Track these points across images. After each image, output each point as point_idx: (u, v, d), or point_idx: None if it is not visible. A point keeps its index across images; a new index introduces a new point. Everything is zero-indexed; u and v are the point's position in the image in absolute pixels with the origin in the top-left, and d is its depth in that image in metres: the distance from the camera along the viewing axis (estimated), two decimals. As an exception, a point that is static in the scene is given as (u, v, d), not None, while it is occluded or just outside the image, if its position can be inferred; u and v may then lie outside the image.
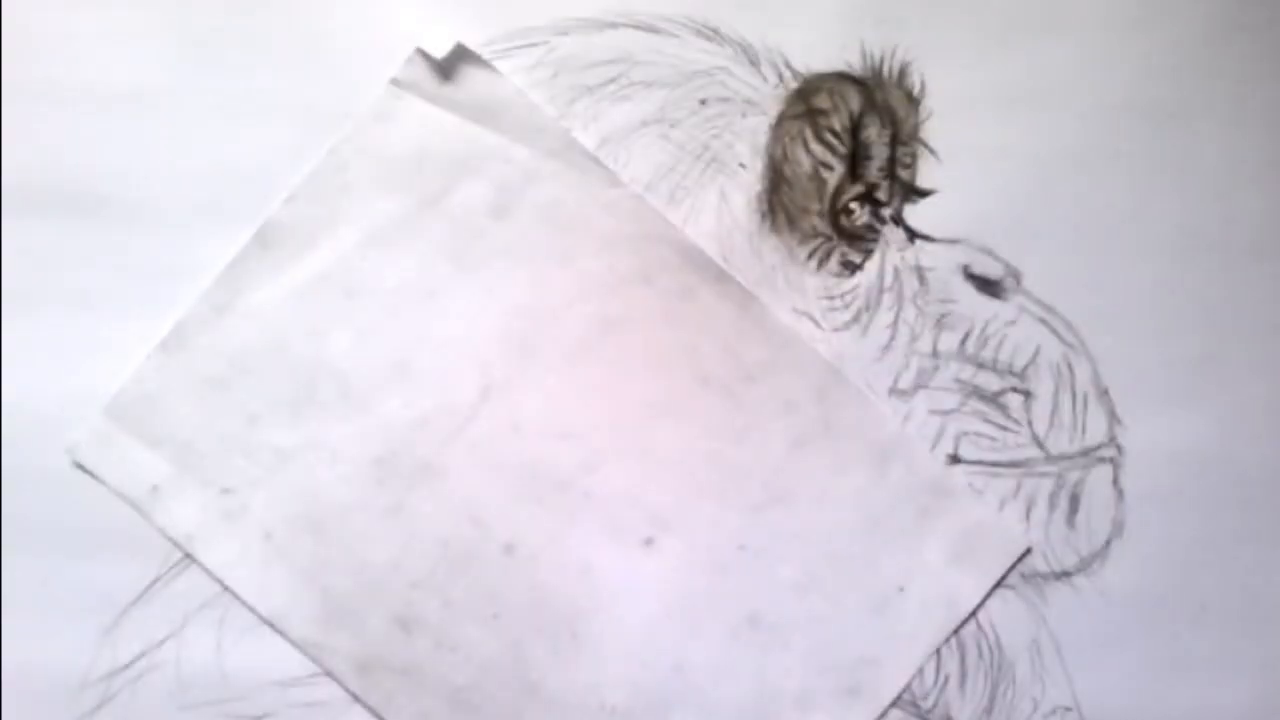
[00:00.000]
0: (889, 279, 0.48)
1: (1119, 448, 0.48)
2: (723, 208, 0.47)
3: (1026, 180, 0.49)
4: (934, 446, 0.48)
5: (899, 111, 0.48)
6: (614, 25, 0.47)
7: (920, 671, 0.47)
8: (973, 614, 0.47)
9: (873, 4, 0.48)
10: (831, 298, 0.48)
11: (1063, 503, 0.48)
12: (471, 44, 0.47)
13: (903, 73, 0.48)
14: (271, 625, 0.45)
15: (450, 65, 0.47)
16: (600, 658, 0.46)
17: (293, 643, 0.45)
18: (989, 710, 0.47)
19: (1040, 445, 0.48)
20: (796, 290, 0.48)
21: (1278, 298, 0.49)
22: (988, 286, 0.48)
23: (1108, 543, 0.48)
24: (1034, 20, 0.49)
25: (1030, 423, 0.48)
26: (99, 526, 0.45)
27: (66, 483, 0.45)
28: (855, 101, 0.48)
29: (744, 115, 0.47)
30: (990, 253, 0.48)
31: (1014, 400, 0.48)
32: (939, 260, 0.48)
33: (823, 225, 0.48)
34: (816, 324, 0.47)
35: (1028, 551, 0.48)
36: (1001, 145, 0.48)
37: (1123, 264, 0.49)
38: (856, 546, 0.47)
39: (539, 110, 0.47)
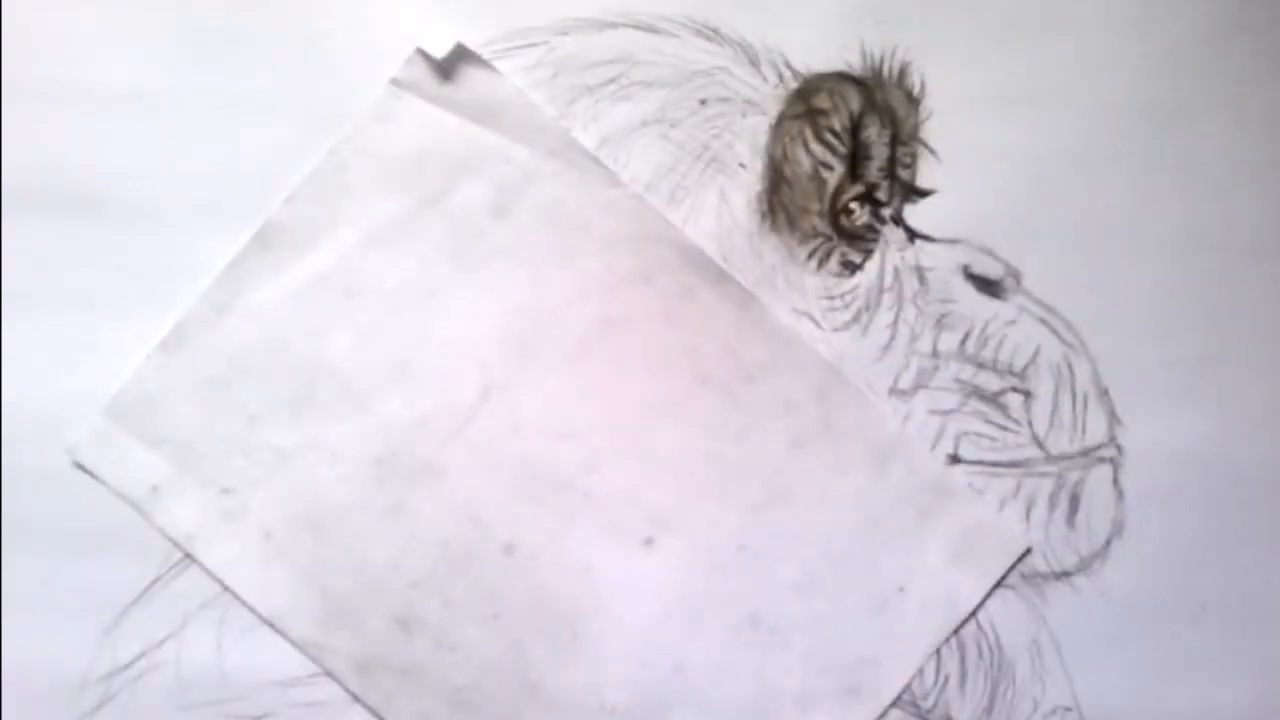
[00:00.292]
0: (889, 279, 0.48)
1: (1119, 448, 0.48)
2: (723, 208, 0.47)
3: (1026, 180, 0.49)
4: (934, 446, 0.48)
5: (899, 111, 0.48)
6: (614, 25, 0.47)
7: (920, 671, 0.47)
8: (973, 614, 0.47)
9: (873, 4, 0.48)
10: (831, 298, 0.48)
11: (1063, 503, 0.48)
12: (471, 44, 0.47)
13: (903, 73, 0.48)
14: (271, 625, 0.45)
15: (450, 65, 0.47)
16: (600, 658, 0.46)
17: (293, 643, 0.45)
18: (989, 710, 0.47)
19: (1040, 445, 0.48)
20: (796, 290, 0.48)
21: (1278, 298, 0.49)
22: (988, 286, 0.48)
23: (1108, 543, 0.48)
24: (1034, 20, 0.49)
25: (1030, 423, 0.48)
26: (99, 526, 0.45)
27: (66, 483, 0.45)
28: (855, 101, 0.48)
29: (744, 115, 0.47)
30: (990, 253, 0.48)
31: (1014, 400, 0.48)
32: (939, 260, 0.48)
33: (823, 225, 0.48)
34: (816, 324, 0.47)
35: (1028, 551, 0.48)
36: (1001, 145, 0.48)
37: (1123, 264, 0.49)
38: (856, 546, 0.47)
39: (539, 110, 0.47)
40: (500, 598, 0.45)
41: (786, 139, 0.48)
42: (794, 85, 0.48)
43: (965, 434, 0.48)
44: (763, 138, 0.47)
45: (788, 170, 0.48)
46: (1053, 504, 0.48)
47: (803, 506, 0.47)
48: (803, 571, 0.47)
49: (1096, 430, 0.48)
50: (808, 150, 0.48)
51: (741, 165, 0.47)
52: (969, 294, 0.48)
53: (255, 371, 0.46)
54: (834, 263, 0.48)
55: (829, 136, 0.48)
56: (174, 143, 0.46)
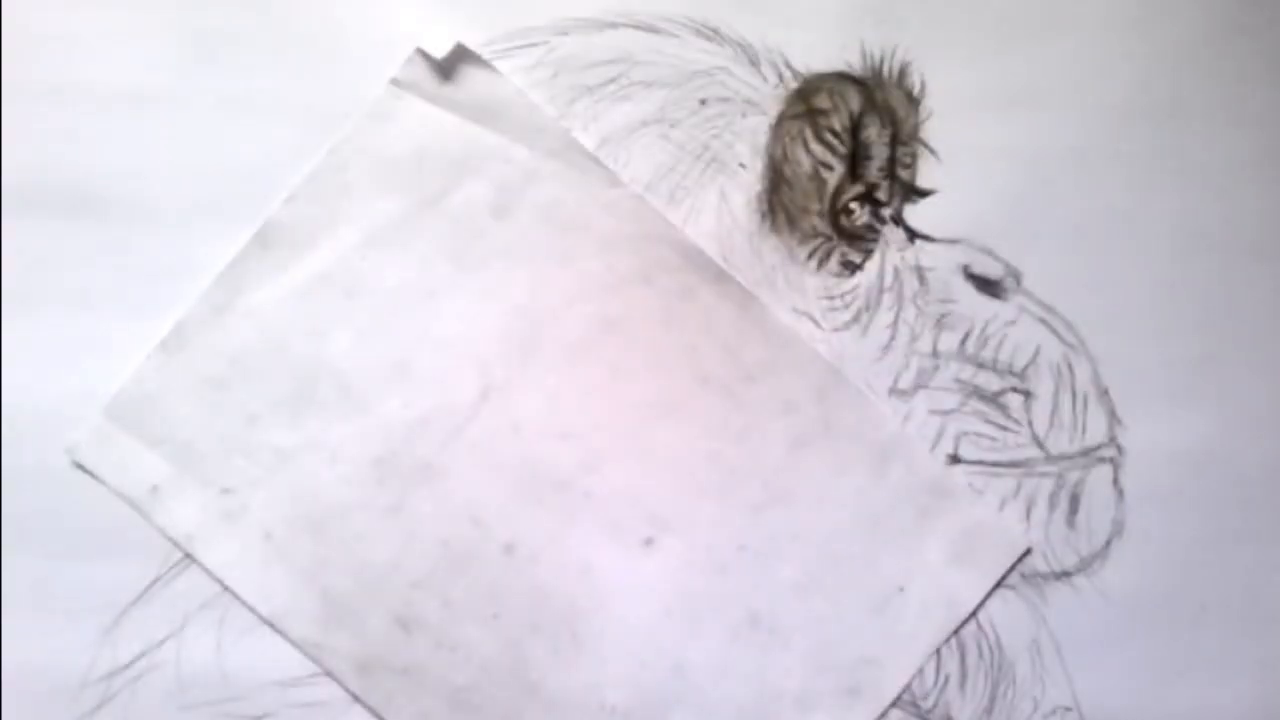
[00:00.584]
0: (889, 279, 0.48)
1: (1119, 448, 0.48)
2: (723, 208, 0.47)
3: (1026, 180, 0.49)
4: (934, 446, 0.48)
5: (899, 111, 0.48)
6: (614, 25, 0.47)
7: (920, 671, 0.47)
8: (973, 614, 0.47)
9: (873, 4, 0.48)
10: (831, 298, 0.48)
11: (1063, 503, 0.48)
12: (471, 44, 0.47)
13: (903, 73, 0.48)
14: (271, 625, 0.45)
15: (450, 65, 0.47)
16: (600, 658, 0.46)
17: (293, 643, 0.45)
18: (989, 710, 0.47)
19: (1040, 445, 0.48)
20: (796, 290, 0.48)
21: (1278, 298, 0.49)
22: (988, 286, 0.48)
23: (1108, 543, 0.48)
24: (1034, 20, 0.49)
25: (1030, 423, 0.48)
26: (99, 526, 0.45)
27: (66, 483, 0.45)
28: (855, 101, 0.48)
29: (744, 115, 0.47)
30: (990, 253, 0.48)
31: (1014, 400, 0.48)
32: (939, 260, 0.48)
33: (823, 225, 0.48)
34: (816, 324, 0.48)
35: (1028, 551, 0.48)
36: (1001, 145, 0.48)
37: (1123, 264, 0.49)
38: (856, 546, 0.47)
39: (539, 110, 0.47)
40: (500, 598, 0.45)
41: (786, 139, 0.48)
42: (794, 85, 0.48)
43: (965, 434, 0.48)
44: (763, 138, 0.47)
45: (788, 170, 0.48)
46: (1053, 504, 0.48)
47: (803, 506, 0.47)
48: (803, 571, 0.47)
49: (1096, 430, 0.48)
50: (808, 150, 0.48)
51: (741, 165, 0.47)
52: (969, 294, 0.48)
53: (255, 371, 0.46)
54: (834, 263, 0.48)
55: (829, 136, 0.48)
56: (174, 143, 0.46)
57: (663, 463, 0.46)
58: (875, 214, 0.48)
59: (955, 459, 0.48)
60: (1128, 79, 0.49)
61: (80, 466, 0.45)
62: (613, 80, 0.47)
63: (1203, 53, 0.49)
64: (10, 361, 0.45)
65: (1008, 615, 0.48)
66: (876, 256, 0.48)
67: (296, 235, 0.46)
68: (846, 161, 0.48)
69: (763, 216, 0.48)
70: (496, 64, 0.47)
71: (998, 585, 0.47)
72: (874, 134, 0.48)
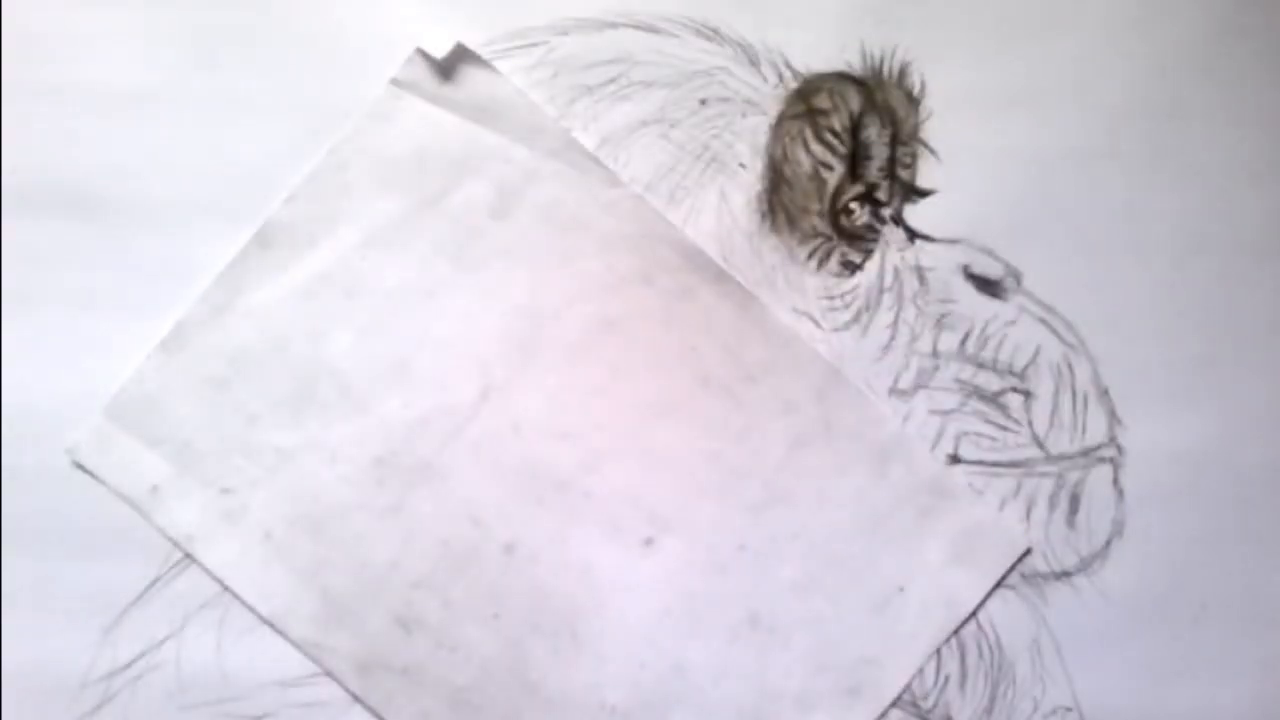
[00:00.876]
0: (889, 279, 0.48)
1: (1119, 448, 0.48)
2: (723, 208, 0.47)
3: (1026, 180, 0.49)
4: (934, 446, 0.48)
5: (899, 111, 0.48)
6: (614, 25, 0.47)
7: (920, 671, 0.47)
8: (973, 614, 0.47)
9: (873, 4, 0.48)
10: (831, 298, 0.48)
11: (1063, 503, 0.48)
12: (471, 44, 0.47)
13: (903, 73, 0.48)
14: (271, 625, 0.45)
15: (450, 65, 0.47)
16: (600, 658, 0.46)
17: (293, 643, 0.45)
18: (989, 710, 0.47)
19: (1040, 445, 0.48)
20: (796, 290, 0.48)
21: (1278, 298, 0.49)
22: (988, 286, 0.48)
23: (1108, 543, 0.48)
24: (1034, 20, 0.49)
25: (1030, 423, 0.48)
26: (99, 526, 0.45)
27: (66, 483, 0.45)
28: (855, 101, 0.48)
29: (744, 115, 0.47)
30: (990, 253, 0.48)
31: (1014, 400, 0.48)
32: (939, 260, 0.48)
33: (823, 225, 0.48)
34: (816, 324, 0.48)
35: (1028, 551, 0.48)
36: (1001, 145, 0.48)
37: (1123, 264, 0.49)
38: (856, 546, 0.47)
39: (539, 110, 0.47)
40: (500, 598, 0.45)
41: (786, 139, 0.48)
42: (794, 85, 0.48)
43: (965, 434, 0.48)
44: (763, 138, 0.47)
45: (788, 170, 0.48)
46: (1053, 504, 0.48)
47: (803, 506, 0.47)
48: (803, 571, 0.47)
49: (1096, 430, 0.48)
50: (808, 150, 0.48)
51: (741, 165, 0.47)
52: (969, 294, 0.48)
53: (255, 371, 0.46)
54: (834, 263, 0.48)
55: (829, 136, 0.48)
56: (174, 143, 0.46)
57: (663, 463, 0.46)
58: (875, 214, 0.48)
59: (955, 459, 0.48)
60: (1128, 79, 0.49)
61: (80, 466, 0.45)
62: (613, 80, 0.47)
63: (1203, 53, 0.49)
64: (10, 361, 0.45)
65: (1008, 615, 0.48)
66: (876, 256, 0.48)
67: (296, 235, 0.46)
68: (846, 161, 0.48)
69: (763, 216, 0.48)
70: (496, 64, 0.47)
71: (998, 585, 0.47)
72: (874, 134, 0.48)
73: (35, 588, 0.45)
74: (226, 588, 0.45)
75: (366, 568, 0.45)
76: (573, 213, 0.47)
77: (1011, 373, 0.48)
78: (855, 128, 0.48)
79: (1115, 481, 0.48)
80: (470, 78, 0.47)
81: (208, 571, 0.45)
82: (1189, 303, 0.49)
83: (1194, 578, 0.48)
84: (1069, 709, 0.48)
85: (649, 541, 0.46)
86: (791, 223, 0.48)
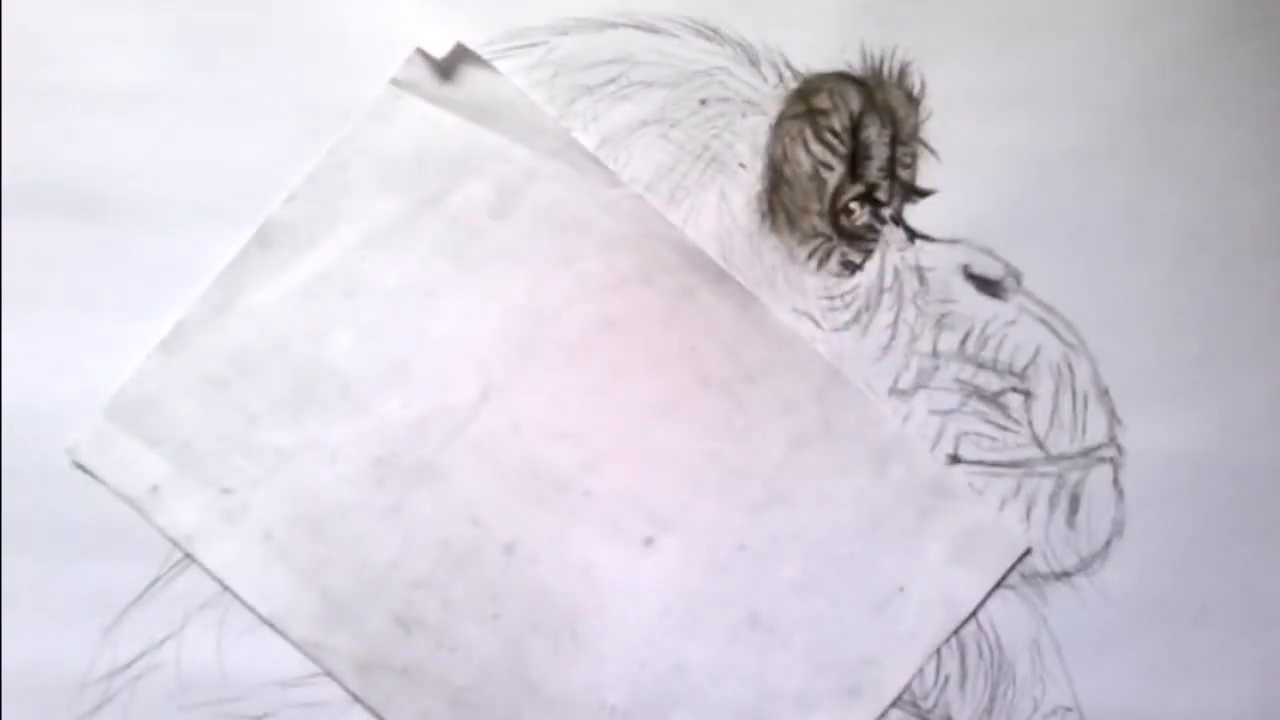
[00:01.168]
0: (889, 279, 0.48)
1: (1119, 448, 0.48)
2: (723, 208, 0.47)
3: (1026, 180, 0.49)
4: (934, 446, 0.48)
5: (899, 111, 0.48)
6: (614, 25, 0.47)
7: (920, 671, 0.47)
8: (973, 614, 0.47)
9: (873, 4, 0.48)
10: (831, 298, 0.48)
11: (1063, 503, 0.48)
12: (471, 44, 0.47)
13: (903, 73, 0.48)
14: (271, 625, 0.45)
15: (450, 65, 0.47)
16: (600, 658, 0.46)
17: (293, 643, 0.45)
18: (989, 710, 0.47)
19: (1040, 445, 0.48)
20: (796, 290, 0.48)
21: (1278, 298, 0.49)
22: (988, 286, 0.48)
23: (1108, 543, 0.48)
24: (1034, 20, 0.49)
25: (1030, 423, 0.48)
26: (99, 526, 0.45)
27: (66, 483, 0.45)
28: (855, 101, 0.48)
29: (744, 115, 0.47)
30: (990, 253, 0.48)
31: (1014, 400, 0.48)
32: (939, 260, 0.48)
33: (823, 225, 0.48)
34: (816, 324, 0.48)
35: (1028, 551, 0.48)
36: (1001, 145, 0.48)
37: (1123, 264, 0.49)
38: (856, 546, 0.47)
39: (539, 110, 0.47)
40: (500, 598, 0.45)
41: (786, 139, 0.48)
42: (794, 85, 0.48)
43: (965, 434, 0.48)
44: (763, 138, 0.47)
45: (788, 170, 0.48)
46: (1053, 504, 0.48)
47: (803, 506, 0.47)
48: (803, 571, 0.47)
49: (1096, 430, 0.48)
50: (808, 150, 0.48)
51: (741, 165, 0.47)
52: (969, 294, 0.48)
53: (255, 371, 0.46)
54: (834, 263, 0.48)
55: (829, 136, 0.48)
56: (174, 143, 0.46)
57: (663, 463, 0.46)
58: (875, 214, 0.48)
59: (955, 459, 0.48)
60: (1128, 79, 0.49)
61: (80, 466, 0.45)
62: (613, 80, 0.47)
63: (1203, 53, 0.49)
64: (10, 361, 0.45)
65: (1008, 615, 0.48)
66: (876, 256, 0.48)
67: (296, 235, 0.46)
68: (846, 161, 0.48)
69: (763, 216, 0.48)
70: (496, 64, 0.47)
71: (998, 585, 0.47)
72: (874, 134, 0.48)
73: (35, 588, 0.45)
74: (226, 588, 0.45)
75: (366, 568, 0.45)
76: (573, 213, 0.47)
77: (1011, 373, 0.48)
78: (855, 128, 0.48)
79: (1115, 481, 0.48)
80: (470, 78, 0.47)
81: (208, 571, 0.45)
82: (1189, 303, 0.49)
83: (1194, 578, 0.48)
84: (1069, 709, 0.48)
85: (649, 541, 0.46)
86: (791, 223, 0.48)
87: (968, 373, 0.48)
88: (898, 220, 0.48)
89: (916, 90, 0.48)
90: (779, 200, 0.48)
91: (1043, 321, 0.48)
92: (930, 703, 0.47)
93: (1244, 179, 0.49)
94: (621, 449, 0.46)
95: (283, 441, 0.45)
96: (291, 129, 0.46)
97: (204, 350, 0.45)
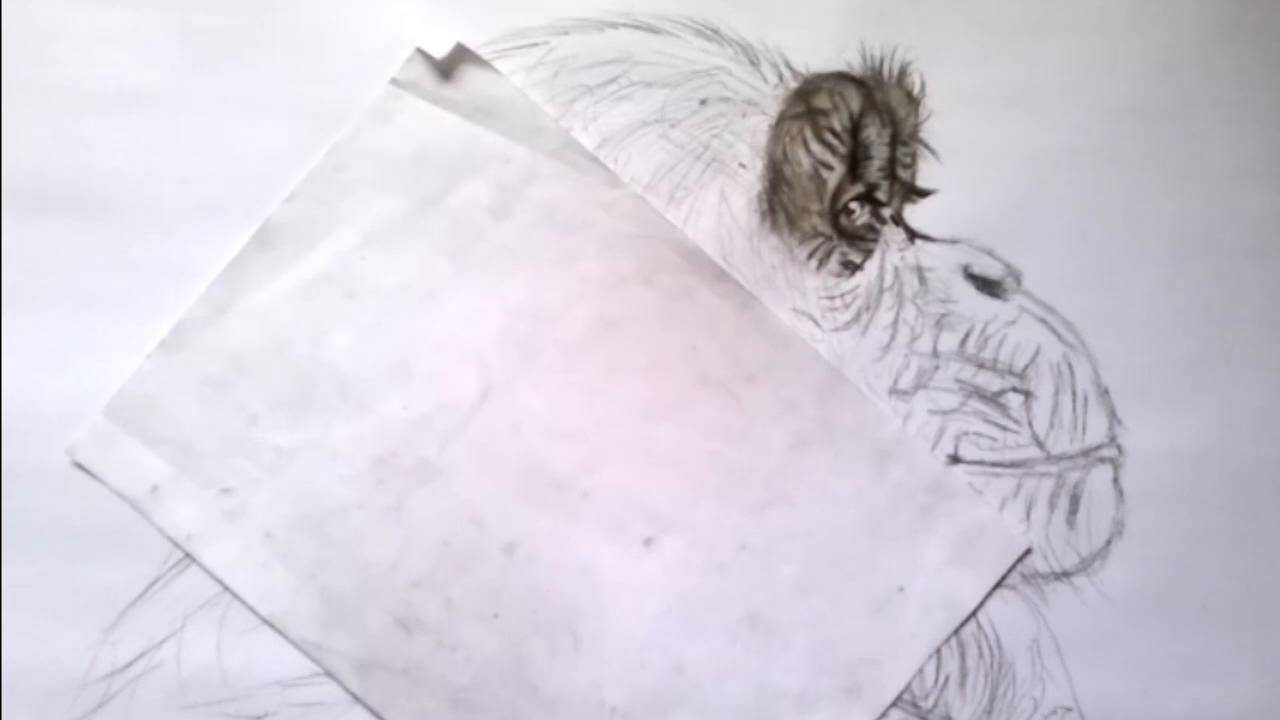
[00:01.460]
0: (889, 279, 0.48)
1: (1119, 448, 0.48)
2: (723, 208, 0.47)
3: (1026, 180, 0.49)
4: (934, 446, 0.48)
5: (899, 111, 0.48)
6: (614, 25, 0.47)
7: (920, 671, 0.47)
8: (973, 614, 0.47)
9: (873, 4, 0.48)
10: (831, 298, 0.48)
11: (1063, 503, 0.48)
12: (471, 44, 0.47)
13: (903, 73, 0.48)
14: (271, 625, 0.45)
15: (450, 65, 0.47)
16: (600, 658, 0.46)
17: (293, 643, 0.45)
18: (989, 710, 0.47)
19: (1040, 445, 0.48)
20: (796, 290, 0.48)
21: (1278, 298, 0.49)
22: (988, 286, 0.48)
23: (1108, 543, 0.48)
24: (1034, 20, 0.49)
25: (1030, 423, 0.48)
26: (99, 526, 0.45)
27: (66, 483, 0.45)
28: (855, 101, 0.48)
29: (744, 115, 0.47)
30: (990, 253, 0.48)
31: (1014, 400, 0.48)
32: (939, 260, 0.48)
33: (823, 225, 0.48)
34: (816, 324, 0.48)
35: (1028, 551, 0.48)
36: (1001, 145, 0.48)
37: (1123, 264, 0.49)
38: (856, 546, 0.47)
39: (539, 110, 0.47)
40: (500, 598, 0.45)
41: (786, 139, 0.48)
42: (794, 85, 0.48)
43: (965, 434, 0.48)
44: (763, 138, 0.47)
45: (788, 170, 0.48)
46: (1053, 504, 0.48)
47: (803, 506, 0.47)
48: (803, 571, 0.47)
49: (1096, 430, 0.48)
50: (808, 150, 0.48)
51: (741, 165, 0.47)
52: (969, 294, 0.48)
53: (255, 371, 0.46)
54: (834, 263, 0.48)
55: (829, 136, 0.48)
56: (174, 143, 0.46)
57: (663, 463, 0.46)
58: (875, 214, 0.48)
59: (955, 459, 0.48)
60: (1128, 79, 0.49)
61: (80, 466, 0.45)
62: (613, 80, 0.47)
63: (1203, 53, 0.49)
64: (10, 361, 0.45)
65: (1008, 615, 0.48)
66: (876, 256, 0.48)
67: (296, 235, 0.46)
68: (846, 161, 0.48)
69: (763, 216, 0.48)
70: (496, 64, 0.47)
71: (998, 585, 0.47)
72: (874, 134, 0.48)
73: (35, 588, 0.45)
74: (226, 588, 0.45)
75: (366, 568, 0.45)
76: (573, 213, 0.47)
77: (1011, 373, 0.48)
78: (855, 128, 0.48)
79: (1115, 481, 0.48)
80: (470, 78, 0.47)
81: (208, 571, 0.45)
82: (1189, 303, 0.49)
83: (1194, 578, 0.48)
84: (1069, 709, 0.48)
85: (649, 541, 0.46)
86: (791, 223, 0.48)
87: (968, 373, 0.48)
88: (898, 220, 0.48)
89: (916, 90, 0.48)
90: (779, 200, 0.48)
91: (1043, 321, 0.48)
92: (930, 703, 0.47)
93: (1243, 179, 0.49)
94: (621, 449, 0.46)
95: (283, 441, 0.45)
96: (291, 129, 0.46)
97: (204, 350, 0.45)
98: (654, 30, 0.47)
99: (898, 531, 0.47)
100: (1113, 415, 0.48)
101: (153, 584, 0.45)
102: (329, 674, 0.45)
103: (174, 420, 0.45)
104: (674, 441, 0.46)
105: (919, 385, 0.48)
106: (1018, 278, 0.48)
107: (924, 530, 0.47)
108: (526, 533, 0.46)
